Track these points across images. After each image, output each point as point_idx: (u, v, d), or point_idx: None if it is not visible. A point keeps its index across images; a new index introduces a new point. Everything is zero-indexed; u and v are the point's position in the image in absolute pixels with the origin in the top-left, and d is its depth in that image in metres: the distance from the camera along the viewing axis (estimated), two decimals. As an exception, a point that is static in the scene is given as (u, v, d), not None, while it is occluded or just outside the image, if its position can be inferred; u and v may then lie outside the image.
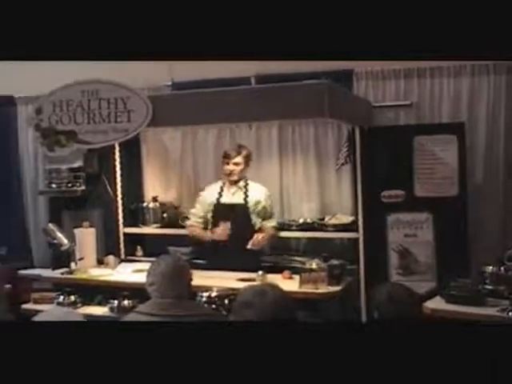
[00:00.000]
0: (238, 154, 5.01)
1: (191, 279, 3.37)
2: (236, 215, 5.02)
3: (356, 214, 4.96)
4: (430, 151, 4.76)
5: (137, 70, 5.17)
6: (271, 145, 5.46)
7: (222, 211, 5.06)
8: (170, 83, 5.66)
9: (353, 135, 4.89)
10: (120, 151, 5.72)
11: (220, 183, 5.17)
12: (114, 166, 5.76)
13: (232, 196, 5.10)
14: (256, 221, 5.07)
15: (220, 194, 5.11)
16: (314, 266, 4.38)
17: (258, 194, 5.10)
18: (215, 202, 5.10)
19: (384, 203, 4.78)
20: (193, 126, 5.39)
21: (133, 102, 4.46)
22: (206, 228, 5.16)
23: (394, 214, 4.79)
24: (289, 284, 4.31)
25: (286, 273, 4.64)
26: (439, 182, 4.73)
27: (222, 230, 4.95)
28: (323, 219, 5.28)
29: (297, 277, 4.42)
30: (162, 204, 5.79)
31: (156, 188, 5.97)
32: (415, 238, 4.78)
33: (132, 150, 5.79)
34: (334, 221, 5.23)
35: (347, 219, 5.18)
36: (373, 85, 5.19)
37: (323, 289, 4.28)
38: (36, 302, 4.89)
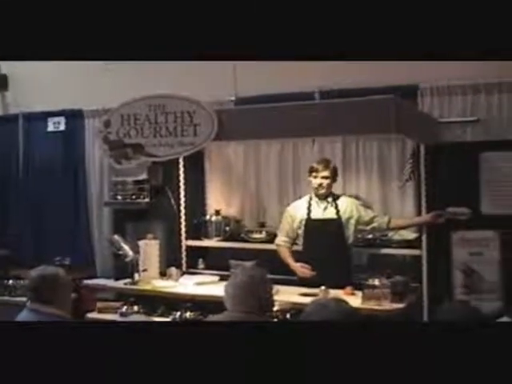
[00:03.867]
0: (326, 167, 4.94)
1: (268, 294, 3.36)
2: (329, 230, 4.96)
3: (420, 230, 4.91)
4: (497, 168, 4.67)
5: (201, 84, 5.27)
6: (334, 160, 5.40)
7: (313, 227, 5.00)
8: (233, 98, 5.71)
9: (417, 151, 4.85)
10: (184, 164, 5.79)
11: (307, 198, 5.10)
12: (178, 179, 5.84)
13: (323, 211, 5.01)
14: (349, 234, 5.01)
15: (309, 210, 5.03)
16: (376, 282, 4.35)
17: (348, 206, 5.01)
18: (306, 217, 5.03)
19: (449, 220, 4.71)
20: (256, 141, 5.42)
21: (199, 116, 4.52)
22: (293, 244, 5.13)
23: (459, 231, 4.71)
24: (351, 300, 4.25)
25: (348, 289, 4.59)
26: (507, 199, 4.63)
27: (306, 271, 4.88)
28: (386, 235, 5.23)
29: (359, 293, 4.39)
30: (225, 217, 5.83)
31: (219, 201, 6.01)
32: (481, 257, 4.68)
33: (196, 164, 5.86)
34: (397, 237, 5.18)
35: (411, 235, 5.13)
36: (438, 100, 5.10)
37: (386, 306, 4.24)
38: (100, 311, 4.99)
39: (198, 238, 5.88)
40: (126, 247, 5.22)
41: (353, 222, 4.99)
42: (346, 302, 2.71)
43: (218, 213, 5.82)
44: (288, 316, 4.14)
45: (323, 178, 4.94)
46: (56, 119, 6.68)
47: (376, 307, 4.20)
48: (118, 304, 4.94)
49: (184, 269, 5.70)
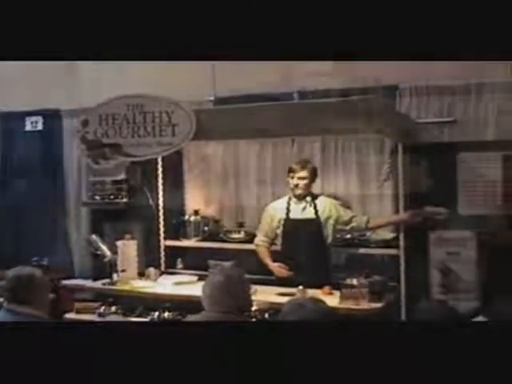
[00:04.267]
0: (304, 168, 4.96)
1: (246, 294, 3.36)
2: (308, 230, 4.98)
3: (397, 230, 4.94)
4: (473, 168, 4.70)
5: (179, 84, 5.26)
6: (313, 160, 5.42)
7: (292, 227, 5.02)
8: (212, 98, 5.70)
9: (396, 152, 4.87)
10: (162, 164, 5.78)
11: (286, 199, 5.11)
12: (157, 179, 5.83)
13: (302, 211, 5.02)
14: (328, 234, 5.01)
15: (288, 210, 5.05)
16: (354, 282, 4.36)
17: (327, 206, 5.03)
18: (285, 217, 5.05)
19: (426, 220, 4.73)
20: (235, 141, 5.42)
21: (177, 116, 4.50)
22: (272, 244, 5.15)
23: (436, 231, 4.74)
24: (329, 300, 4.26)
25: (326, 288, 4.60)
26: (483, 199, 4.67)
27: (284, 271, 4.93)
28: (364, 235, 5.26)
29: (337, 293, 4.40)
30: (204, 217, 5.83)
31: (198, 201, 6.00)
32: (458, 256, 4.71)
33: (174, 164, 5.84)
34: (375, 237, 5.21)
35: (389, 235, 5.16)
36: (416, 101, 5.14)
37: (364, 305, 4.26)
38: (78, 311, 4.96)
39: (177, 238, 5.87)
40: (103, 247, 5.19)
41: (331, 221, 5.01)
42: (323, 302, 2.72)
43: (196, 213, 5.82)
44: (266, 316, 4.14)
45: (300, 178, 4.96)
46: (34, 118, 6.63)
47: (354, 307, 4.22)
48: (96, 304, 4.92)
49: (162, 269, 5.69)
